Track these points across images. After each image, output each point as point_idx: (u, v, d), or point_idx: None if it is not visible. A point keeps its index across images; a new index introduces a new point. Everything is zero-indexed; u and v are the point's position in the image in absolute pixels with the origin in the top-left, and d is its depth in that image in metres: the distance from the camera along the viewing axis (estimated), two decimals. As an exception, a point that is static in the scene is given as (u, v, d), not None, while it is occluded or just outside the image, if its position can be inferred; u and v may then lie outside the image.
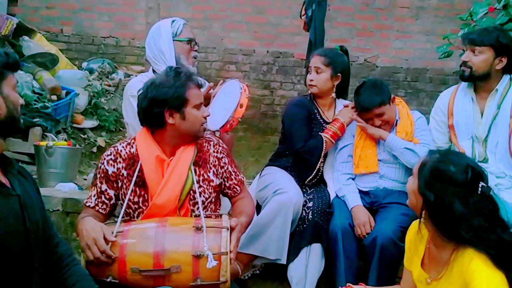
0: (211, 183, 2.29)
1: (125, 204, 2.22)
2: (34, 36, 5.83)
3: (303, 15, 4.68)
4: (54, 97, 5.10)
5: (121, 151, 2.27)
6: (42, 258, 1.84)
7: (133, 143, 2.28)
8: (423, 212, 1.86)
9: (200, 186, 2.25)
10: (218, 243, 2.02)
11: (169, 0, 6.38)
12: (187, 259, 2.00)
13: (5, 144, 1.92)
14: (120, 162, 2.25)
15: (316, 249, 2.68)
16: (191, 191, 2.23)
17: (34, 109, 4.81)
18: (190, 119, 2.22)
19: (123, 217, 2.20)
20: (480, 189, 1.78)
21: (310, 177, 2.90)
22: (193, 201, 2.24)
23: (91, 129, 5.55)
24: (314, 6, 4.51)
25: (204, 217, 2.13)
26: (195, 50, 2.90)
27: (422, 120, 2.94)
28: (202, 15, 6.65)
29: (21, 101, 1.82)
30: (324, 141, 2.86)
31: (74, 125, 5.38)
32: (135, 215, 2.24)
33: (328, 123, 2.96)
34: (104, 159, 2.27)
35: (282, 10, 6.58)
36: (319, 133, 2.90)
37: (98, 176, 2.28)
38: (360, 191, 2.85)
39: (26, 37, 5.63)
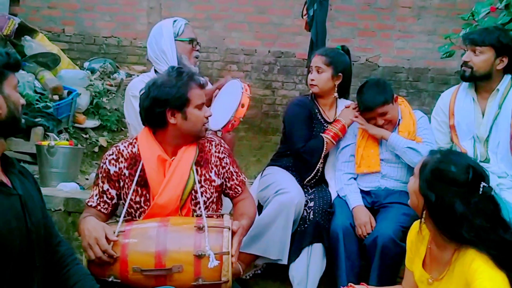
0: (213, 183, 2.29)
1: (126, 204, 2.23)
2: (36, 36, 5.83)
3: (305, 15, 4.68)
4: (56, 97, 5.11)
5: (123, 150, 2.27)
6: (43, 258, 1.84)
7: (135, 142, 2.28)
8: (424, 212, 1.86)
9: (201, 186, 2.25)
10: (219, 243, 2.02)
11: (171, 0, 6.38)
12: (189, 258, 2.00)
13: (7, 144, 1.92)
14: (122, 161, 2.26)
15: (317, 249, 2.68)
16: (193, 191, 2.23)
17: (36, 109, 4.82)
18: (192, 119, 2.22)
19: (124, 216, 2.20)
20: (481, 189, 1.78)
21: (309, 177, 2.90)
22: (194, 201, 2.24)
23: (93, 129, 5.56)
24: (316, 6, 4.51)
25: (206, 217, 2.12)
26: (197, 50, 2.90)
27: (424, 119, 2.94)
28: (203, 15, 6.66)
29: (22, 101, 1.82)
30: (325, 142, 2.86)
31: (76, 125, 5.39)
32: (137, 214, 2.24)
33: (329, 123, 2.97)
34: (106, 158, 2.28)
35: (283, 10, 6.58)
36: (320, 133, 2.90)
37: (100, 175, 2.28)
38: (362, 191, 2.85)
39: (28, 37, 5.64)
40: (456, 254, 1.82)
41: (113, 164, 2.26)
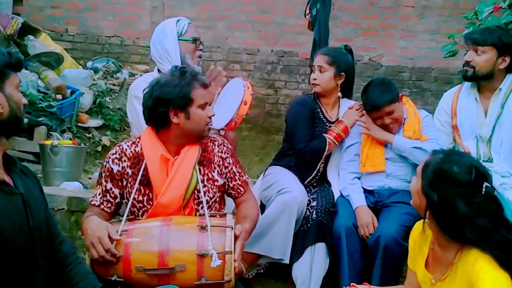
0: (216, 183, 2.29)
1: (129, 203, 2.23)
2: (39, 36, 5.85)
3: (308, 14, 4.68)
4: (59, 96, 5.13)
5: (126, 150, 2.27)
6: (45, 256, 1.84)
7: (138, 142, 2.28)
8: (427, 212, 1.85)
9: (204, 186, 2.25)
10: (222, 242, 2.02)
11: (174, -1, 6.40)
12: (192, 258, 2.00)
13: (11, 143, 1.93)
14: (125, 161, 2.26)
15: (320, 248, 2.68)
16: (196, 191, 2.23)
17: (39, 108, 4.84)
18: (194, 118, 2.21)
19: (127, 215, 2.21)
20: (484, 189, 1.78)
21: (310, 178, 2.90)
22: (197, 200, 2.24)
23: (96, 128, 5.57)
24: (319, 5, 4.51)
25: (209, 216, 2.13)
26: (200, 50, 2.90)
27: (429, 118, 2.94)
28: (206, 15, 6.66)
29: (24, 100, 1.82)
30: (328, 143, 2.86)
31: (79, 124, 5.41)
32: (140, 214, 2.24)
33: (331, 123, 2.97)
34: (109, 157, 2.28)
35: (286, 10, 6.58)
36: (323, 134, 2.90)
37: (103, 174, 2.28)
38: (365, 190, 2.85)
39: (31, 37, 5.65)
40: (459, 255, 1.81)
41: (116, 163, 2.26)
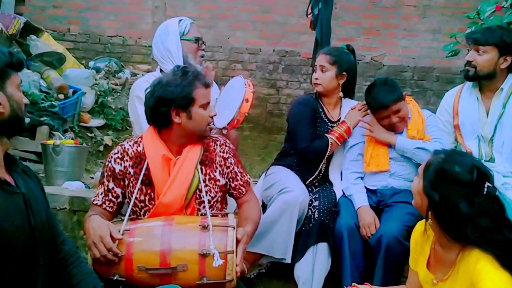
0: (217, 183, 2.30)
1: (131, 203, 2.23)
2: (41, 35, 5.86)
3: (309, 14, 4.67)
4: (61, 96, 5.13)
5: (128, 149, 2.28)
6: (47, 256, 1.84)
7: (140, 141, 2.29)
8: (429, 212, 1.85)
9: (206, 185, 2.25)
10: (224, 242, 2.02)
11: (176, -1, 6.40)
12: (194, 257, 2.01)
13: (13, 143, 1.93)
14: (127, 160, 2.26)
15: (322, 248, 2.68)
16: (197, 190, 2.24)
17: (41, 108, 4.84)
18: (196, 118, 2.22)
19: (129, 215, 2.21)
20: (485, 189, 1.77)
21: (312, 178, 2.90)
22: (199, 200, 2.24)
23: (98, 128, 5.58)
24: (321, 5, 4.50)
25: (210, 216, 2.13)
26: (203, 49, 2.90)
27: (432, 117, 2.94)
28: (208, 14, 6.66)
29: (25, 100, 1.83)
30: (330, 143, 2.86)
31: (81, 124, 5.41)
32: (142, 213, 2.25)
33: (333, 122, 2.97)
34: (111, 157, 2.28)
35: (288, 9, 6.57)
36: (325, 134, 2.90)
37: (105, 174, 2.29)
38: (368, 190, 2.84)
39: (33, 36, 5.66)
40: (461, 255, 1.81)
41: (118, 162, 2.26)
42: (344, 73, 2.95)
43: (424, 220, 1.93)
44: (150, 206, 2.23)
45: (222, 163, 2.32)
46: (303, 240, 2.69)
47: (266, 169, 3.12)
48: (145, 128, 2.35)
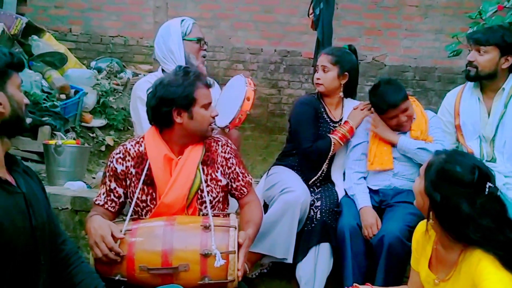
0: (219, 183, 2.30)
1: (133, 203, 2.23)
2: (43, 36, 5.87)
3: (311, 14, 4.67)
4: (63, 96, 5.14)
5: (130, 149, 2.28)
6: (48, 256, 1.85)
7: (142, 141, 2.29)
8: (430, 213, 1.85)
9: (208, 186, 2.25)
10: (226, 242, 2.02)
11: (177, -1, 6.40)
12: (195, 257, 2.01)
13: (14, 143, 1.93)
14: (128, 160, 2.26)
15: (324, 248, 2.68)
16: (199, 190, 2.24)
17: (43, 108, 4.85)
18: (198, 118, 2.22)
19: (131, 215, 2.21)
20: (487, 189, 1.77)
21: (314, 178, 2.90)
22: (201, 200, 2.24)
23: (100, 128, 5.59)
24: (322, 5, 4.50)
25: (212, 216, 2.13)
26: (205, 50, 2.91)
27: (435, 118, 2.94)
28: (210, 14, 6.66)
29: (26, 100, 1.83)
30: (333, 143, 2.86)
31: (83, 124, 5.42)
32: (143, 213, 2.25)
33: (335, 122, 2.96)
34: (113, 157, 2.29)
35: (289, 9, 6.57)
36: (328, 134, 2.90)
37: (107, 174, 2.29)
38: (370, 190, 2.84)
39: (35, 37, 5.67)
40: (463, 255, 1.81)
41: (120, 162, 2.27)
42: (346, 73, 2.95)
43: (425, 220, 1.93)
44: (152, 206, 2.23)
45: (224, 163, 2.32)
46: (305, 240, 2.69)
47: (267, 169, 3.12)
48: (147, 128, 2.35)
